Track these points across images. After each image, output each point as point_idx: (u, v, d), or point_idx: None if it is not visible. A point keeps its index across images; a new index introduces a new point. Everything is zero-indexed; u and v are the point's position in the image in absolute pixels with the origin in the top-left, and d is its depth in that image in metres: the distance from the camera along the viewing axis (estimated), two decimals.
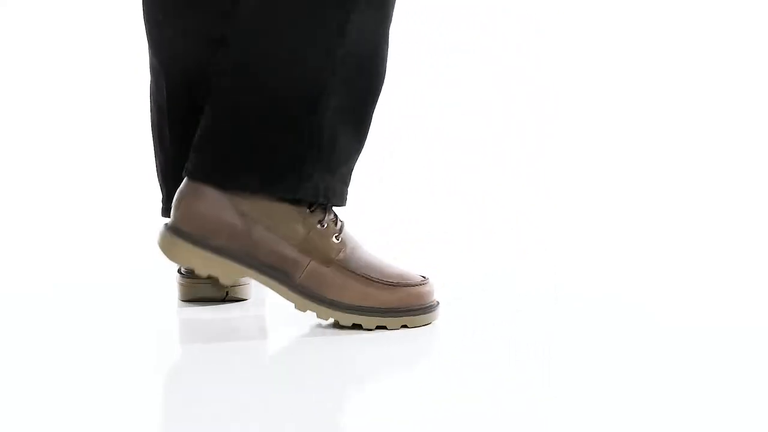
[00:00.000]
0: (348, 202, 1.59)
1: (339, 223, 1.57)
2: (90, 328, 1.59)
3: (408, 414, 1.27)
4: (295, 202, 1.54)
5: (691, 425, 1.22)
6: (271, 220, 1.53)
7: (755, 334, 1.57)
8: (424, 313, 1.57)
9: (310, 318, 1.57)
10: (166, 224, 1.53)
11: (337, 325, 1.55)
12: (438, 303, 1.59)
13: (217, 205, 1.52)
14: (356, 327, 1.55)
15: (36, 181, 2.61)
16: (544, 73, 2.88)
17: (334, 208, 1.58)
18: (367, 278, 1.55)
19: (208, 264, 1.51)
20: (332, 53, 1.51)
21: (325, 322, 1.57)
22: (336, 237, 1.55)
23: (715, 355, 1.47)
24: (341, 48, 1.51)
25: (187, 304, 1.69)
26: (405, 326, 1.56)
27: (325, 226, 1.55)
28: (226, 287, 1.69)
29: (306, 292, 1.54)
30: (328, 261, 1.54)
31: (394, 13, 1.57)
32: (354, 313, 1.54)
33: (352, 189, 1.59)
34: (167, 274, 1.86)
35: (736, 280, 1.87)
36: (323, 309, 1.54)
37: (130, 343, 1.54)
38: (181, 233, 1.51)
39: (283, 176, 1.52)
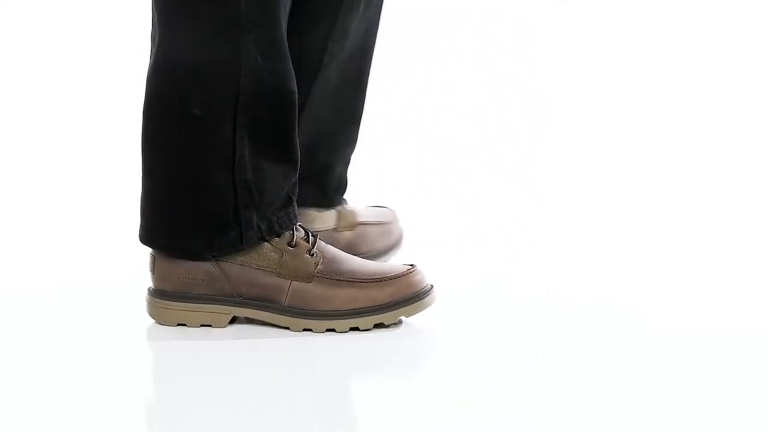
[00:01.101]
0: (296, 218, 1.60)
1: (311, 238, 1.58)
2: (89, 329, 1.59)
3: (402, 415, 1.28)
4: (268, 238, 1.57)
5: (682, 429, 1.24)
6: (243, 255, 1.56)
7: (748, 338, 1.57)
8: (418, 301, 1.57)
9: None
10: (149, 289, 1.58)
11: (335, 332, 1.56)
12: (432, 286, 1.59)
13: (190, 261, 1.56)
14: (354, 330, 1.56)
15: (36, 181, 2.59)
16: (537, 79, 2.87)
17: (302, 225, 1.60)
18: (351, 281, 1.55)
19: (197, 315, 1.56)
20: (231, 117, 1.53)
21: None
22: (309, 252, 1.57)
23: (707, 359, 1.48)
24: (240, 113, 1.53)
25: None
26: (401, 317, 1.57)
27: (296, 245, 1.57)
28: None
29: (296, 311, 1.55)
30: (308, 276, 1.55)
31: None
32: (347, 318, 1.55)
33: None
34: None
35: (728, 284, 1.86)
36: (317, 322, 1.55)
37: (130, 343, 1.55)
38: (163, 294, 1.57)
39: (224, 233, 1.55)
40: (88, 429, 1.24)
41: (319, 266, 1.56)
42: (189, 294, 1.56)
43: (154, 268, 1.58)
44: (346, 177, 1.86)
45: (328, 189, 1.83)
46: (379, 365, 1.48)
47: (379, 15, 1.79)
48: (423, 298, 1.57)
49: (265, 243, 1.56)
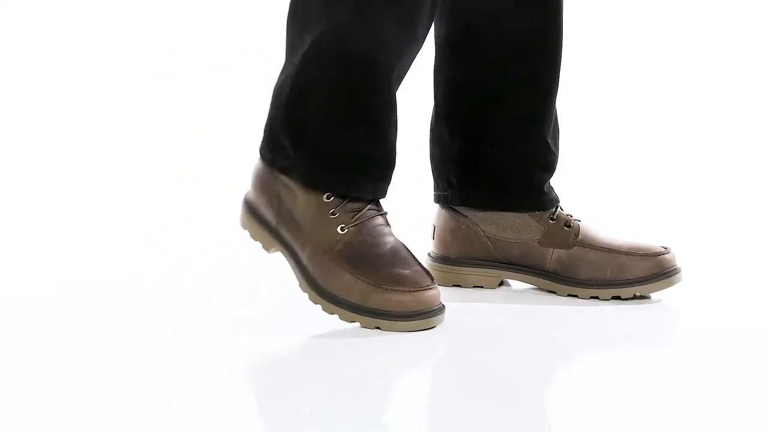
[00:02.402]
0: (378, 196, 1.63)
1: (357, 216, 1.60)
2: (90, 329, 1.58)
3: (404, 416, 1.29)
4: (313, 189, 1.61)
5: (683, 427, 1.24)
6: (294, 203, 1.62)
7: (757, 338, 1.58)
8: (400, 321, 1.55)
9: (305, 319, 1.58)
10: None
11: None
12: (431, 311, 1.56)
13: (267, 181, 1.64)
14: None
15: (36, 181, 2.59)
16: None
17: (377, 203, 1.63)
18: (355, 274, 1.57)
19: (256, 233, 1.66)
20: (299, 55, 1.58)
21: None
22: (342, 228, 1.59)
23: (709, 358, 1.49)
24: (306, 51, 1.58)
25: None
26: (378, 328, 1.56)
27: (336, 215, 1.59)
28: None
29: (306, 274, 1.59)
30: (326, 249, 1.58)
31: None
32: (333, 304, 1.57)
33: None
34: (167, 274, 1.87)
35: (731, 283, 1.87)
36: (313, 294, 1.58)
37: (130, 344, 1.53)
38: (245, 204, 1.67)
39: (277, 153, 1.63)
40: (87, 429, 1.23)
41: (339, 245, 1.59)
42: (256, 213, 1.65)
43: (252, 181, 1.67)
44: (539, 180, 1.79)
45: (506, 190, 1.79)
46: (375, 366, 1.48)
47: None
48: (407, 320, 1.55)
49: (313, 201, 1.61)
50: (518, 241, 1.76)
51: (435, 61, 1.81)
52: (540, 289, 1.77)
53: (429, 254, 1.83)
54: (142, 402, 1.31)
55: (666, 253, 1.73)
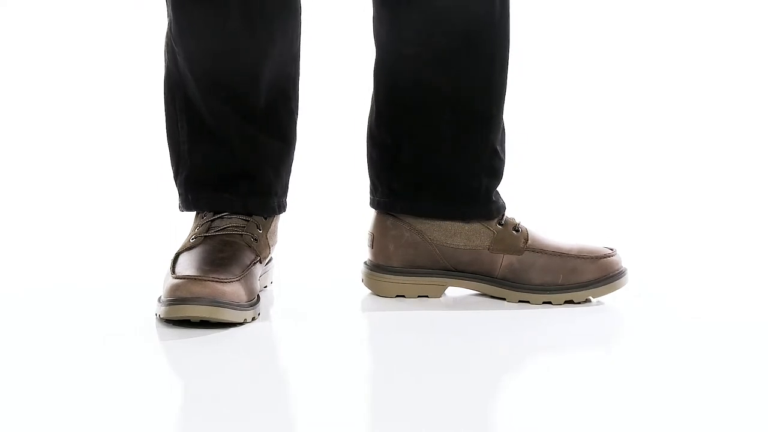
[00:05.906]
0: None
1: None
2: (90, 329, 1.58)
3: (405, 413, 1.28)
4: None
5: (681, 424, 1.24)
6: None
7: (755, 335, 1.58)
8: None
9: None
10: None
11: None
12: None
13: None
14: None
15: (36, 181, 2.60)
16: (535, 79, 2.86)
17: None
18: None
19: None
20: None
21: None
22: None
23: (697, 355, 1.49)
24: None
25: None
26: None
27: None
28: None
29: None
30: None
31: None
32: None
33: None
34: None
35: (712, 280, 1.89)
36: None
37: (130, 343, 1.53)
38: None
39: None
40: (87, 429, 1.23)
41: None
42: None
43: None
44: (487, 187, 1.73)
45: (456, 197, 1.72)
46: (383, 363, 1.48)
47: None
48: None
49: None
50: (468, 247, 1.71)
51: (375, 62, 1.72)
52: (486, 295, 1.73)
53: (365, 263, 1.76)
54: (141, 402, 1.31)
55: (612, 255, 1.71)
